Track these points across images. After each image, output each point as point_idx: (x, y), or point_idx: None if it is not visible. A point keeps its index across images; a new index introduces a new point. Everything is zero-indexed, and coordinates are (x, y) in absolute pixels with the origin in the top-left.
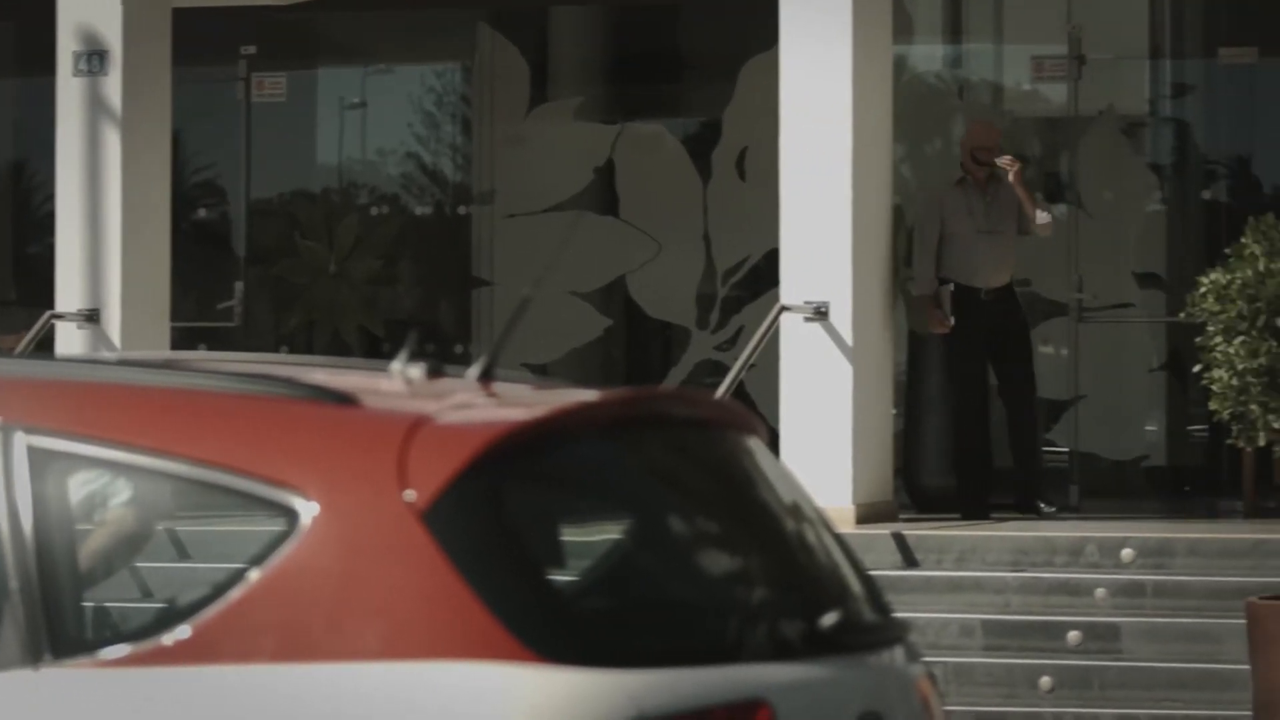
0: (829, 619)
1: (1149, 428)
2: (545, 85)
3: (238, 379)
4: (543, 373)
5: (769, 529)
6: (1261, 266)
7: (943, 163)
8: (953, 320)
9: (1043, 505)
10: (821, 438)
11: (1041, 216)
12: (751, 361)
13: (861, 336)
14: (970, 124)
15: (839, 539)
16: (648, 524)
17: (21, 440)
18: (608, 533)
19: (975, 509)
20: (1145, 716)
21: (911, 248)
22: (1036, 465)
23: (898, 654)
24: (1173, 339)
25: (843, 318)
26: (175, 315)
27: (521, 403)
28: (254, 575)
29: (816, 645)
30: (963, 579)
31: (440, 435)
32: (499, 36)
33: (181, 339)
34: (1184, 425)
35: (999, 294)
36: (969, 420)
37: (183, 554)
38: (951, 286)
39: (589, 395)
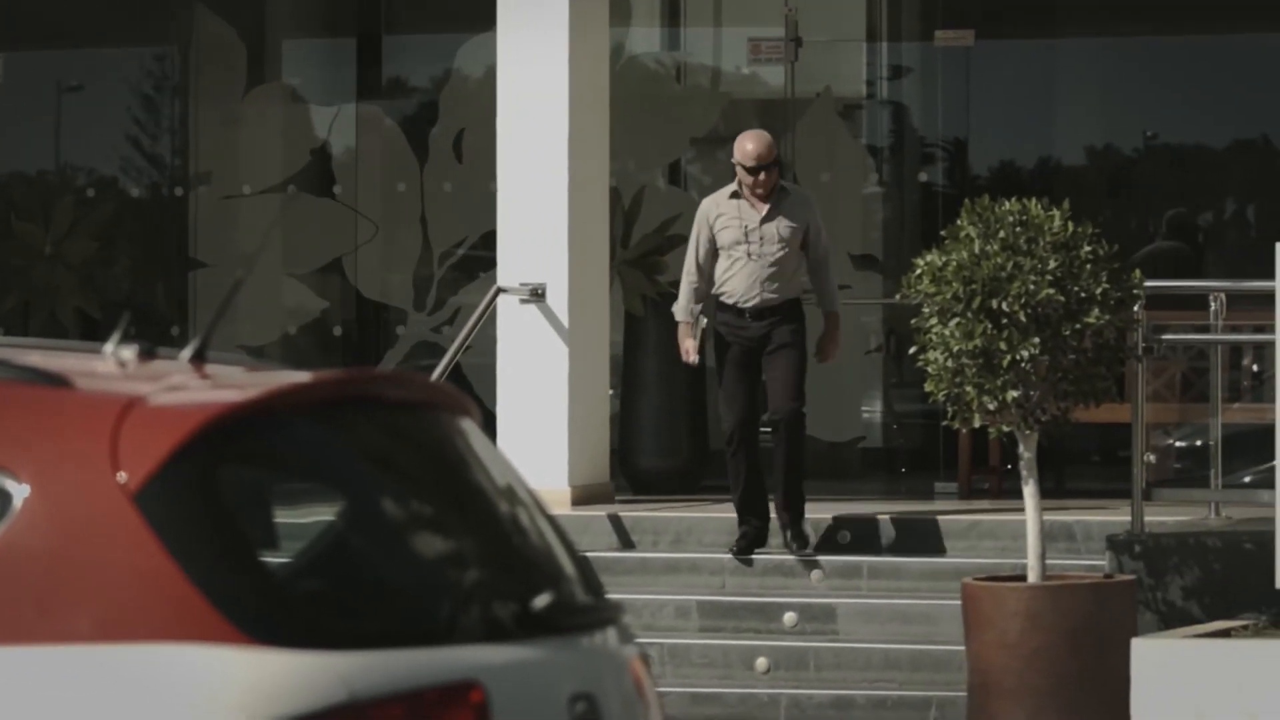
0: (541, 600)
1: (865, 409)
2: (262, 66)
3: None
4: (259, 355)
5: (482, 511)
6: (977, 248)
7: (661, 146)
8: (695, 358)
9: (807, 534)
10: (538, 420)
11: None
12: (468, 343)
13: (578, 318)
14: (741, 136)
15: (552, 521)
16: (361, 506)
17: None
18: (321, 514)
19: (755, 538)
20: (861, 697)
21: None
22: (794, 496)
23: (611, 635)
24: (889, 321)
25: (559, 299)
26: None
27: (234, 384)
28: None
29: (529, 627)
30: (679, 560)
31: (152, 417)
32: (215, 17)
33: None
34: (900, 407)
35: (766, 314)
36: (733, 453)
37: None
38: (704, 322)
39: (302, 377)
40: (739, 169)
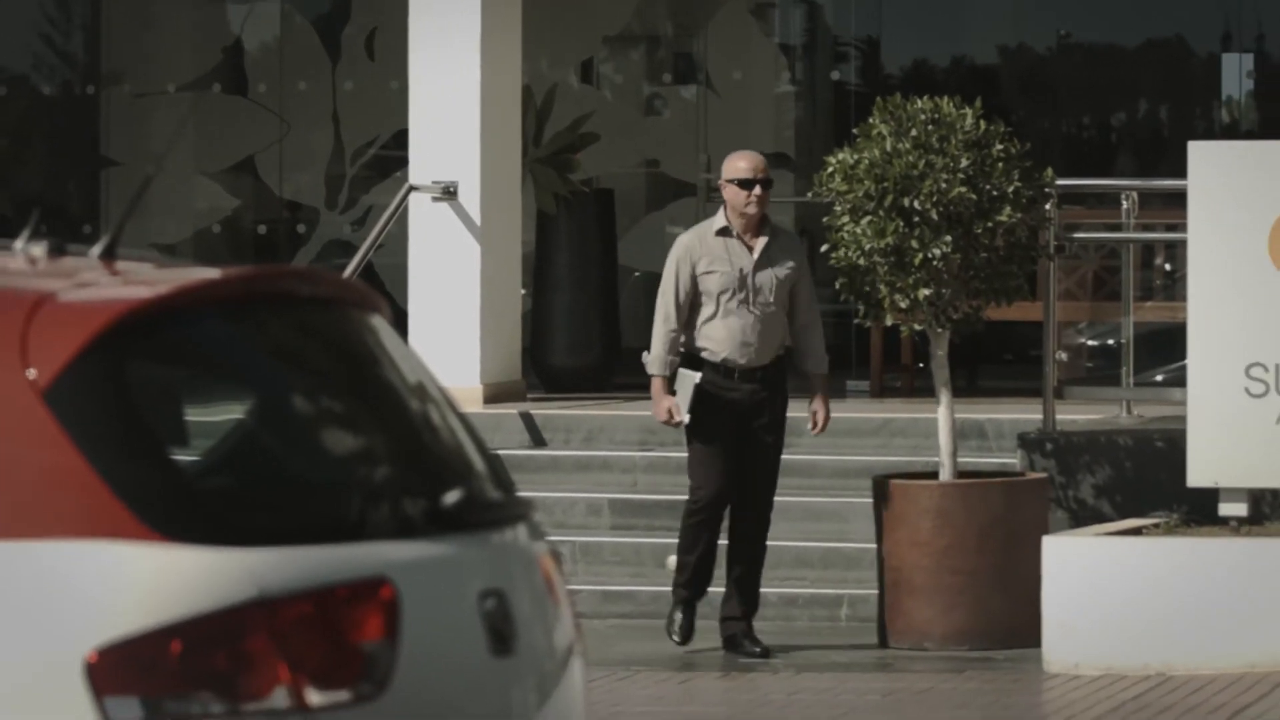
0: (451, 497)
1: None
2: None
3: None
4: (171, 252)
5: (393, 408)
6: (889, 146)
7: (574, 44)
8: (687, 417)
9: (750, 645)
10: (450, 318)
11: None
12: (380, 241)
13: (490, 216)
14: (730, 157)
15: (463, 418)
16: (271, 402)
17: None
18: (231, 411)
19: (691, 621)
20: (773, 595)
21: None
22: (753, 593)
23: (521, 532)
24: (801, 219)
25: (471, 198)
26: None
27: (144, 281)
28: None
29: (439, 524)
30: (590, 458)
31: (62, 313)
32: None
33: None
34: None
35: (757, 374)
36: (698, 523)
37: None
38: (698, 377)
39: (212, 273)
40: (730, 190)
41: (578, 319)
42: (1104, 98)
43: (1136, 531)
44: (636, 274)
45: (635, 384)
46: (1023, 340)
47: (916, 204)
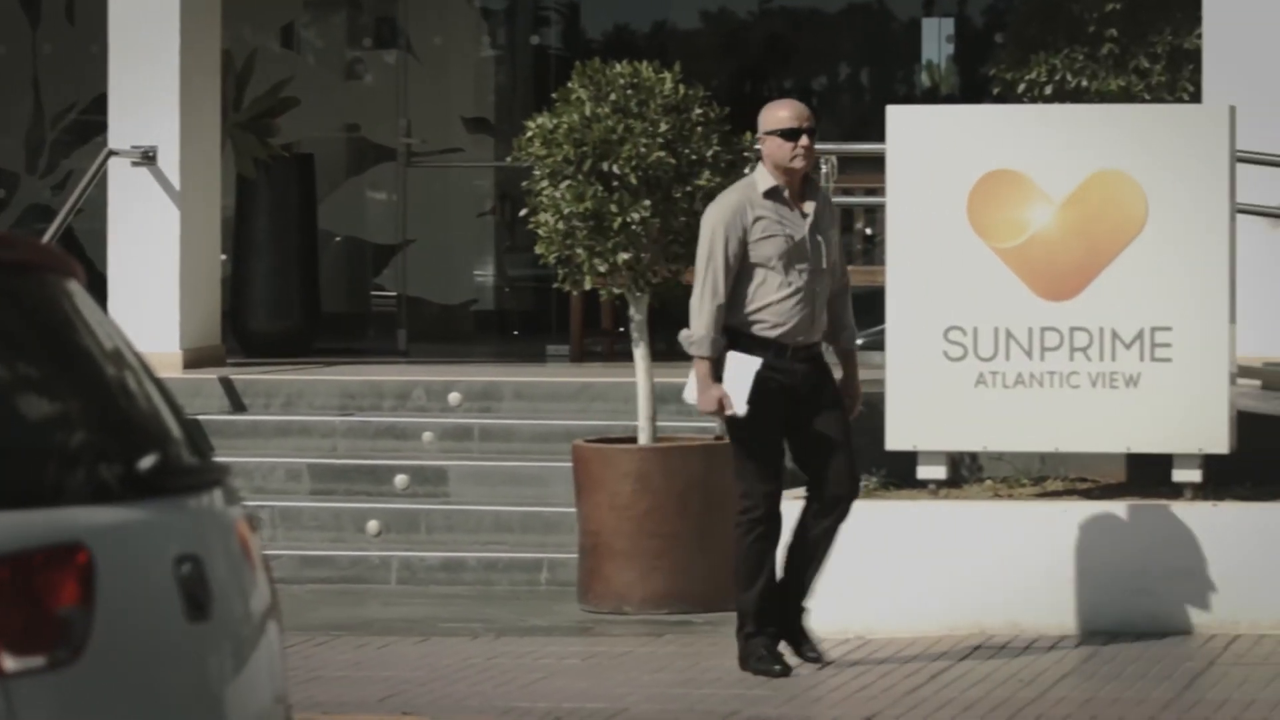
0: (146, 462)
1: (477, 272)
2: None
3: None
4: None
5: (88, 374)
6: (588, 111)
7: (275, 8)
8: (746, 408)
9: (810, 652)
10: (149, 283)
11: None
12: (79, 206)
13: (189, 181)
14: (768, 106)
15: (159, 383)
16: None
17: None
18: None
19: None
20: (472, 560)
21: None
22: (806, 590)
23: (216, 497)
24: (501, 184)
25: (170, 162)
26: None
27: None
28: None
29: (135, 489)
30: (290, 423)
31: None
32: None
33: None
34: (512, 270)
35: (810, 351)
36: (759, 537)
37: None
38: (759, 363)
39: None
40: (772, 143)
41: (278, 284)
42: (805, 62)
43: None
44: (337, 239)
45: (335, 349)
46: None
47: (615, 168)
